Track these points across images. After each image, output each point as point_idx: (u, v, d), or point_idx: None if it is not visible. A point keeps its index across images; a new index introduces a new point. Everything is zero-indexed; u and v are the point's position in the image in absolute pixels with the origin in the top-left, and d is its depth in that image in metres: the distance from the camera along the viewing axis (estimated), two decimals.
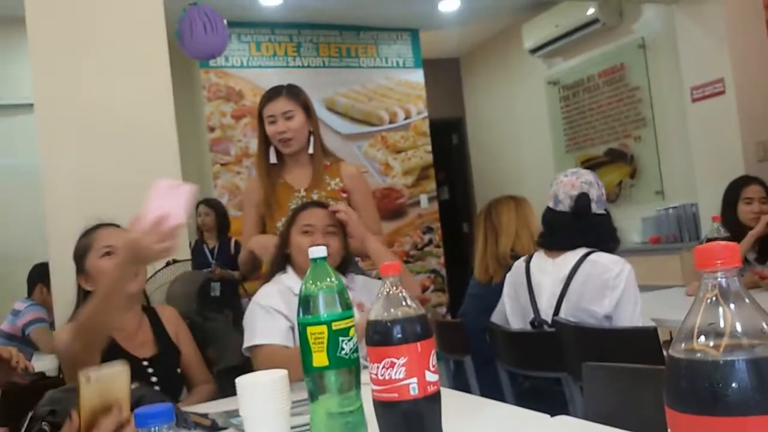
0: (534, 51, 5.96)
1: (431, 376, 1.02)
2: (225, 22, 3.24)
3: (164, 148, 3.07)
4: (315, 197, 2.37)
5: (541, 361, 2.10)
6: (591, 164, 5.57)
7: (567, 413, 1.38)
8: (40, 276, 3.89)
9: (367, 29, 5.83)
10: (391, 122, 5.92)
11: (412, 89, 6.03)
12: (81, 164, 2.89)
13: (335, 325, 1.22)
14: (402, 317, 1.03)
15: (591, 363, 1.35)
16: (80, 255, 1.86)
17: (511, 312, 2.30)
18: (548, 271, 2.21)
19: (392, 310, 1.05)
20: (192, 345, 1.94)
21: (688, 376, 0.55)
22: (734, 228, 2.94)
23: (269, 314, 1.85)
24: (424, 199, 5.98)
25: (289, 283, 1.94)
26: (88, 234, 1.90)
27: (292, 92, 2.50)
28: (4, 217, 4.80)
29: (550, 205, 2.24)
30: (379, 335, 1.03)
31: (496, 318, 2.42)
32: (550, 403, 1.54)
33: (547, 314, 2.16)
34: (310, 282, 1.25)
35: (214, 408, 1.56)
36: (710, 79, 4.31)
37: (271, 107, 2.44)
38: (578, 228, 2.17)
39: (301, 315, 1.25)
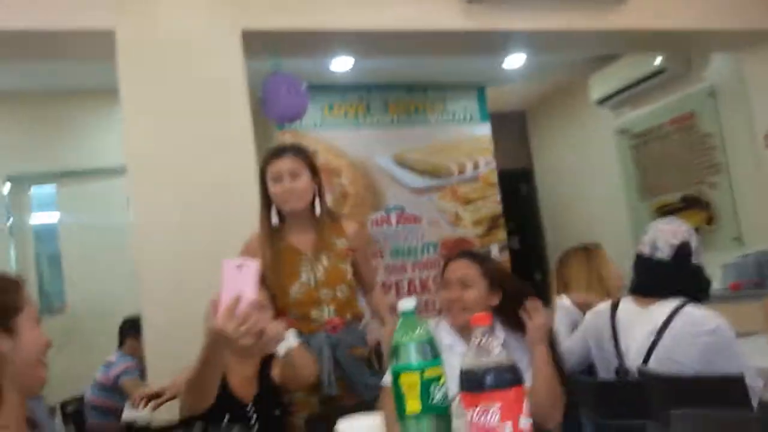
0: (601, 102, 5.98)
1: (524, 422, 1.08)
2: (305, 86, 3.43)
3: (248, 208, 3.25)
4: (324, 259, 2.37)
5: (626, 410, 2.10)
6: (667, 210, 5.50)
7: None
8: (130, 328, 4.10)
9: (435, 87, 5.99)
10: (459, 174, 6.01)
11: (479, 142, 6.13)
12: (171, 222, 3.09)
13: (427, 373, 1.29)
14: (494, 366, 1.09)
15: (678, 411, 1.37)
16: None
17: (595, 358, 2.30)
18: (638, 320, 2.19)
19: (483, 359, 1.11)
20: None
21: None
22: None
23: None
24: (494, 248, 6.00)
25: (439, 331, 2.02)
26: None
27: (298, 151, 2.43)
28: (94, 273, 5.06)
29: (646, 252, 2.22)
30: (472, 383, 1.09)
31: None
32: None
33: (633, 363, 2.15)
34: (401, 333, 1.33)
35: None
36: None
37: (277, 165, 2.36)
38: (677, 277, 2.16)
39: (393, 363, 1.32)
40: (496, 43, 4.06)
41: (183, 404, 1.74)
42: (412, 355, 1.30)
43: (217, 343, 1.50)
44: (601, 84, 5.91)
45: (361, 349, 2.47)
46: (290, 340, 1.86)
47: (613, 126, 6.13)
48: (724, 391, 1.80)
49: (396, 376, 1.31)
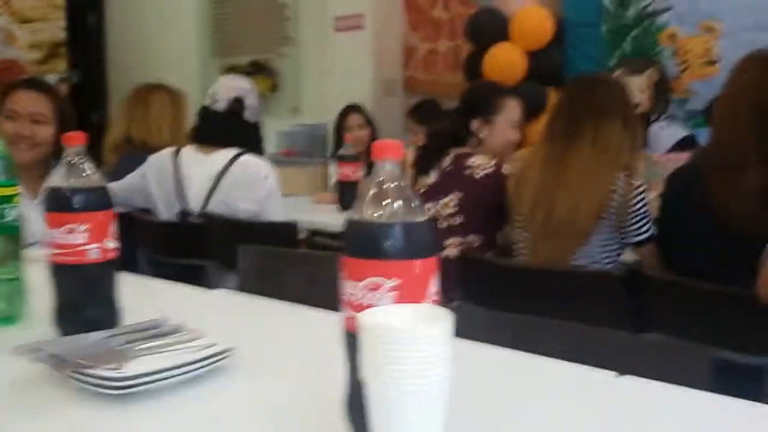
0: None
1: (111, 244, 1.07)
2: None
3: None
4: None
5: (188, 250, 2.23)
6: (235, 73, 5.68)
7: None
8: None
9: None
10: None
11: None
12: None
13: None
14: (83, 187, 1.05)
15: (245, 246, 1.52)
16: None
17: (158, 201, 2.36)
18: (199, 166, 2.32)
19: (73, 179, 1.05)
20: None
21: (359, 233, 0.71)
22: None
23: None
24: (52, 79, 5.47)
25: None
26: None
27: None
28: None
29: (207, 102, 2.38)
30: (59, 202, 1.04)
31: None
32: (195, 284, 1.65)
33: (194, 206, 2.29)
34: None
35: None
36: (352, 12, 4.72)
37: None
38: (230, 128, 2.34)
39: None
40: None
41: None
42: None
43: None
44: None
45: None
46: None
47: None
48: (277, 233, 2.04)
49: None
